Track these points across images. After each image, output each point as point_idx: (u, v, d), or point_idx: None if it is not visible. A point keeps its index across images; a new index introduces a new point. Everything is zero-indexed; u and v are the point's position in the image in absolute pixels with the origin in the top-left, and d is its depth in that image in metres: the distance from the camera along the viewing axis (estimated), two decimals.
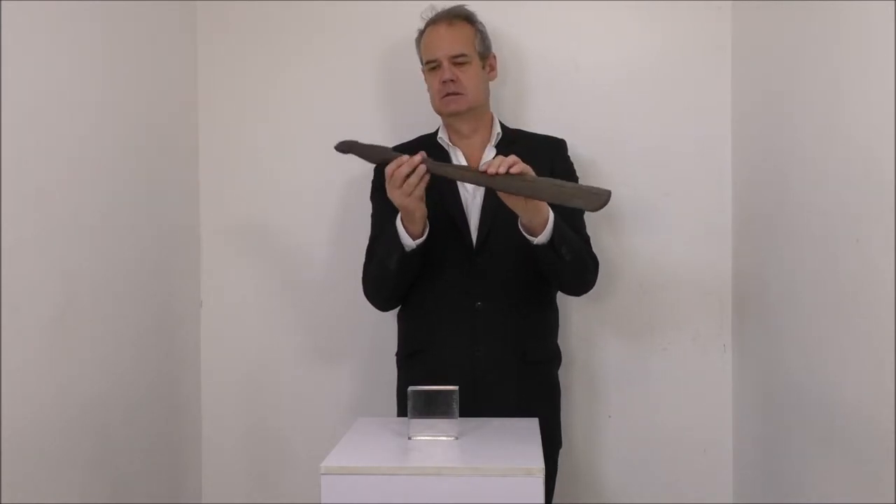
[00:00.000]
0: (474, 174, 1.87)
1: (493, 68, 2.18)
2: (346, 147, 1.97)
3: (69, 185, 1.87)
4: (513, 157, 1.82)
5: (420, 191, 1.85)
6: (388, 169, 1.86)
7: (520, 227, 1.90)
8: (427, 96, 2.16)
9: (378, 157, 1.94)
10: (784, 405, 2.02)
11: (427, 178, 1.85)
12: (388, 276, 2.00)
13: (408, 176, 1.83)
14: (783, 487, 2.03)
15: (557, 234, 1.89)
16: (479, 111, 2.13)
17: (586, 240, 2.09)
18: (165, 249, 2.34)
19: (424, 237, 1.94)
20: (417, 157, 1.84)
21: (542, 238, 1.88)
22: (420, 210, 1.89)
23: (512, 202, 1.83)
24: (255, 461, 2.54)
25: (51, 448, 1.80)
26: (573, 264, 1.96)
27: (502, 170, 1.79)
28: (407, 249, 1.94)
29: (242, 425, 2.54)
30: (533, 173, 1.84)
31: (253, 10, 2.49)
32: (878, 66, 1.50)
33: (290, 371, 2.52)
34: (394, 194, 1.87)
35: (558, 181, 1.85)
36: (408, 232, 1.92)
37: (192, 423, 2.50)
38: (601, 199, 1.79)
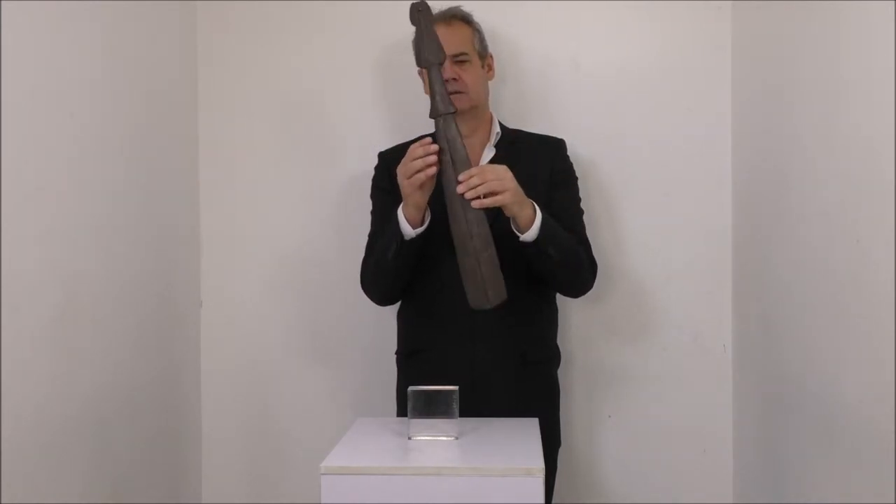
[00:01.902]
0: (452, 179, 1.84)
1: (490, 68, 2.19)
2: (417, 12, 1.89)
3: (69, 185, 1.87)
4: (487, 186, 1.80)
5: (418, 180, 1.83)
6: (412, 147, 1.85)
7: (511, 222, 1.90)
8: (426, 96, 2.15)
9: (426, 52, 1.88)
10: (784, 405, 2.02)
11: (431, 174, 1.83)
12: (385, 266, 1.99)
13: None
14: (783, 487, 2.03)
15: (545, 232, 1.89)
16: (479, 111, 2.14)
17: (585, 242, 2.09)
18: (165, 249, 2.34)
19: (423, 228, 1.93)
20: (433, 148, 1.82)
21: (528, 235, 1.89)
22: (414, 198, 1.87)
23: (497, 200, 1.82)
24: (255, 461, 2.54)
25: (51, 447, 1.80)
26: (563, 264, 1.96)
27: (469, 195, 1.79)
28: (406, 238, 1.93)
29: (242, 425, 2.54)
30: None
31: (253, 9, 2.49)
32: (879, 66, 1.50)
33: (289, 371, 2.52)
34: (399, 169, 1.87)
35: (484, 257, 1.83)
36: (408, 217, 1.91)
37: (192, 422, 2.50)
38: (483, 302, 1.84)
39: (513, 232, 1.90)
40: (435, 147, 1.83)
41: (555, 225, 1.93)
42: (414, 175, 1.83)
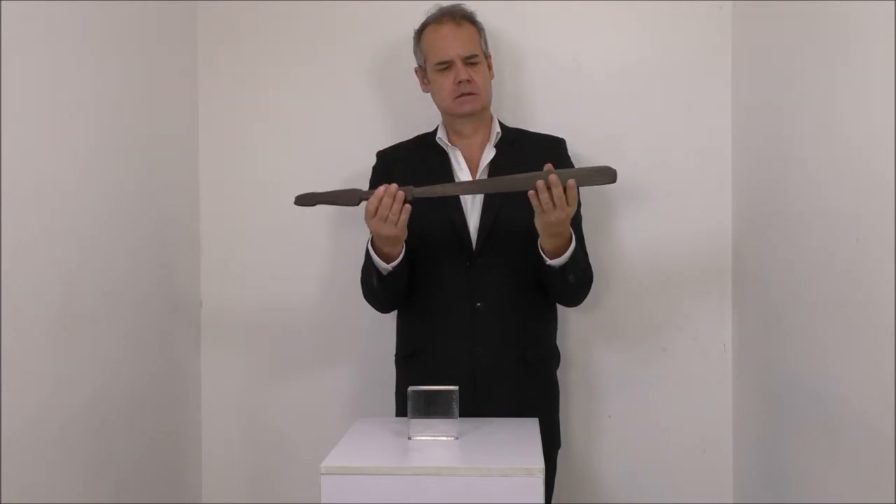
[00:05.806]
0: (465, 185, 1.91)
1: (491, 67, 2.18)
2: (307, 201, 1.96)
3: (69, 184, 1.87)
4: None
5: (405, 220, 1.86)
6: (370, 206, 1.85)
7: (539, 246, 1.91)
8: (426, 96, 2.15)
9: (351, 199, 1.93)
10: (784, 405, 2.02)
11: (409, 206, 1.85)
12: (374, 291, 2.04)
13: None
14: (783, 487, 2.03)
15: (572, 260, 1.92)
16: (483, 111, 2.13)
17: (584, 253, 2.10)
18: (165, 249, 2.33)
19: (399, 261, 1.95)
20: (393, 187, 1.84)
21: (556, 262, 1.91)
22: (404, 234, 1.90)
23: (543, 224, 1.84)
24: (255, 461, 2.54)
25: (51, 448, 1.80)
26: (574, 287, 1.99)
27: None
28: (384, 273, 1.96)
29: (242, 425, 2.54)
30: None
31: (253, 10, 2.49)
32: (879, 66, 1.50)
33: (289, 371, 2.52)
34: (381, 228, 1.86)
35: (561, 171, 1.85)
36: (387, 253, 1.93)
37: (192, 423, 2.50)
38: (610, 172, 1.87)
39: (523, 231, 1.91)
40: (402, 194, 1.84)
41: (579, 254, 1.96)
42: (399, 219, 1.84)
